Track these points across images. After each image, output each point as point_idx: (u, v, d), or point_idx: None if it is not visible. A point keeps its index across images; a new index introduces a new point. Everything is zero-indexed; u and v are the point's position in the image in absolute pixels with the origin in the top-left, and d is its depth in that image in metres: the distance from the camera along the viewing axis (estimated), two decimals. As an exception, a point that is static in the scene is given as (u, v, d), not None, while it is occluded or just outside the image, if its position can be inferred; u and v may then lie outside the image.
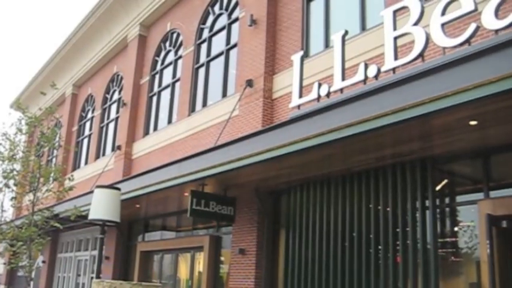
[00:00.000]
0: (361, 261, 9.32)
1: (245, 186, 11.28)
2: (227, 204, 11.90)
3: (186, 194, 11.60)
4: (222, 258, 13.21)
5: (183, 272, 14.92)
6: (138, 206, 14.51)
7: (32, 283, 13.74)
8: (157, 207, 15.15)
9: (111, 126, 21.34)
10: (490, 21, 6.96)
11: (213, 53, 15.49)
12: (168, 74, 17.88)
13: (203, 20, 16.15)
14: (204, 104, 15.24)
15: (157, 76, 18.56)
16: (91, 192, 10.25)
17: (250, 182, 10.89)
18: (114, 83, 21.88)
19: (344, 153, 8.71)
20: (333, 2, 11.81)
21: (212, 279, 13.07)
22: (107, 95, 22.34)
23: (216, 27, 15.59)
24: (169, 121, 16.93)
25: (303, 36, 12.05)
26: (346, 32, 9.18)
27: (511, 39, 5.97)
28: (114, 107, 21.54)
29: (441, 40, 7.54)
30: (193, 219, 13.78)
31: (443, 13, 7.57)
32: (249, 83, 12.46)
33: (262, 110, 11.95)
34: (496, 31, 6.94)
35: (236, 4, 14.71)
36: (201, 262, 13.72)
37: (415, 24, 7.95)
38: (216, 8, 15.68)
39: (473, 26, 7.17)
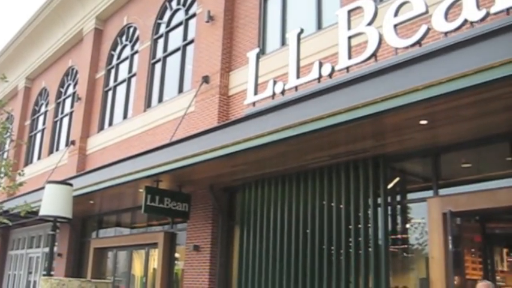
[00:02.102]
0: (314, 257, 9.42)
1: (200, 182, 11.27)
2: (182, 201, 11.86)
3: (141, 190, 11.51)
4: (177, 255, 13.16)
5: (138, 269, 14.79)
6: (91, 202, 14.33)
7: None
8: (111, 204, 14.97)
9: (65, 120, 20.93)
10: (440, 23, 7.15)
11: (170, 48, 15.38)
12: (124, 68, 17.66)
13: (160, 15, 16.01)
14: (160, 100, 15.12)
15: (113, 71, 18.29)
16: (43, 188, 10.06)
17: (205, 178, 10.88)
18: (69, 77, 21.46)
19: (298, 150, 8.78)
20: (290, 0, 11.88)
21: (167, 276, 13.01)
22: (61, 89, 21.90)
23: (173, 22, 15.48)
24: (125, 116, 16.73)
25: (259, 34, 12.09)
26: (302, 30, 9.25)
27: (460, 42, 6.15)
28: (68, 102, 21.11)
29: (393, 40, 7.69)
30: (147, 215, 13.66)
31: (396, 14, 7.72)
32: (205, 79, 12.43)
33: (218, 106, 11.94)
34: (446, 33, 7.12)
35: (194, 0, 14.63)
36: (155, 259, 13.63)
37: (369, 24, 8.08)
38: (174, 3, 15.56)
39: (424, 28, 7.34)
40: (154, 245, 13.53)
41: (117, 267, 15.82)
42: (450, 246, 7.30)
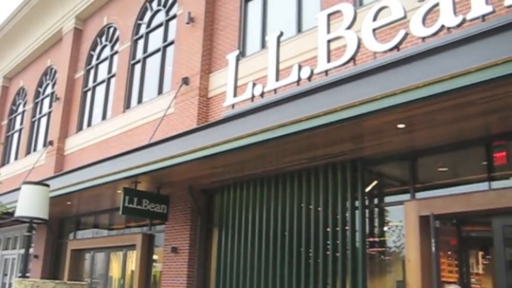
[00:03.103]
0: (292, 260, 9.44)
1: (179, 184, 11.23)
2: (160, 202, 11.81)
3: (119, 191, 11.44)
4: (156, 257, 13.09)
5: (115, 271, 14.68)
6: (69, 203, 14.19)
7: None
8: (89, 205, 14.85)
9: (44, 120, 20.73)
10: (417, 28, 7.23)
11: (150, 49, 15.32)
12: (103, 69, 17.55)
13: (140, 16, 15.95)
14: (140, 101, 15.05)
15: (92, 71, 18.18)
16: (19, 188, 9.96)
17: (184, 180, 10.84)
18: (48, 77, 21.27)
19: (277, 153, 8.80)
20: (270, 3, 11.92)
21: (144, 278, 12.94)
22: (39, 89, 21.69)
23: (154, 23, 15.43)
24: (104, 117, 16.62)
25: (239, 36, 12.10)
26: (281, 33, 9.28)
27: (437, 47, 6.22)
28: (46, 101, 20.93)
29: (372, 45, 7.75)
30: (125, 217, 13.59)
31: (374, 19, 7.79)
32: (185, 81, 12.40)
33: (198, 108, 11.93)
34: (423, 38, 7.20)
35: (174, 1, 14.61)
36: (133, 261, 13.55)
37: (348, 28, 8.14)
38: (154, 4, 15.51)
39: (402, 33, 7.42)
40: (132, 246, 13.45)
41: (94, 269, 15.69)
42: (433, 249, 7.31)
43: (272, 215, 10.00)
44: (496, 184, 7.39)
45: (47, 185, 8.24)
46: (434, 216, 7.55)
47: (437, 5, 7.11)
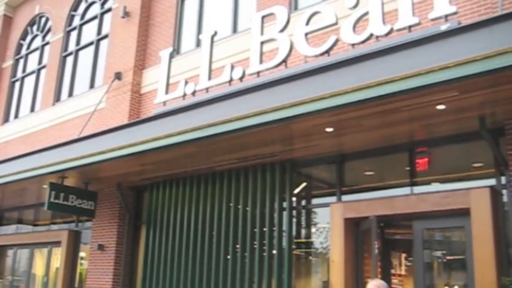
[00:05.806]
0: (219, 260, 9.46)
1: (107, 180, 11.03)
2: (88, 199, 11.54)
3: (45, 186, 11.11)
4: (83, 254, 12.80)
5: (39, 268, 14.27)
6: (-9, 197, 13.71)
7: None
8: (13, 199, 14.32)
9: (-33, 111, 19.86)
10: (348, 35, 7.40)
11: (83, 42, 14.97)
12: (33, 59, 17.00)
13: (75, 7, 15.55)
14: (70, 94, 14.67)
15: (21, 61, 17.56)
16: None
17: (113, 176, 10.67)
18: (-27, 65, 20.40)
19: (207, 152, 8.78)
20: (207, 1, 11.90)
21: (69, 276, 12.63)
22: (-36, 77, 20.77)
23: (88, 15, 15.07)
24: (32, 109, 16.11)
25: (175, 33, 12.03)
26: (215, 33, 9.29)
27: (365, 54, 6.39)
28: (-29, 90, 20.07)
29: (303, 49, 7.87)
30: (52, 213, 13.21)
31: (307, 23, 7.91)
32: (118, 76, 12.20)
33: (130, 104, 11.77)
34: (353, 45, 7.37)
35: (110, -6, 14.35)
36: (58, 258, 13.20)
37: (281, 31, 8.23)
38: (89, -4, 15.19)
39: (333, 39, 7.57)
40: (57, 243, 13.10)
41: (17, 266, 15.18)
42: (376, 251, 7.36)
43: (201, 214, 9.99)
44: (417, 189, 7.66)
45: (-34, 178, 7.95)
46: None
47: (367, 13, 7.30)
